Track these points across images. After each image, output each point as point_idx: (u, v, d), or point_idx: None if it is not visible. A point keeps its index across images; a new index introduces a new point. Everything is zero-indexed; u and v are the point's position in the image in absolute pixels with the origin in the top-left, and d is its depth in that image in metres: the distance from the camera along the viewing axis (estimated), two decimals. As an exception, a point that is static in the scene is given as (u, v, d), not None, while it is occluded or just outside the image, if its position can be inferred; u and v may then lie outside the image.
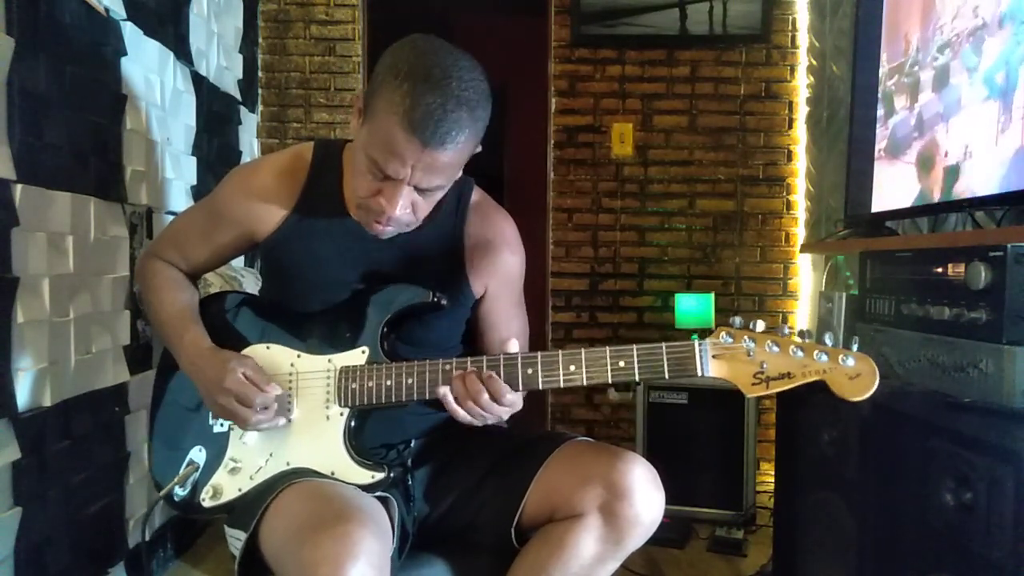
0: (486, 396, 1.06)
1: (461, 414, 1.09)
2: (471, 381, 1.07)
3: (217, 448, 1.20)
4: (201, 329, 1.21)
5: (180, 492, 1.20)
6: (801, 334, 1.01)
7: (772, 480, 1.87)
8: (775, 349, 1.01)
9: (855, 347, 1.00)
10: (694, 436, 2.50)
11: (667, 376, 1.04)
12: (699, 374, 1.03)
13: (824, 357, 0.99)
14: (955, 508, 1.12)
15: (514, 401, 1.09)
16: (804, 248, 2.90)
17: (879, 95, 1.91)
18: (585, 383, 1.06)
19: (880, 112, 1.90)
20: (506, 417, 1.10)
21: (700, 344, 1.03)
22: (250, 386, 1.12)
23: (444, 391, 1.08)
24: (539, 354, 1.08)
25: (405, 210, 1.09)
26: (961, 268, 1.25)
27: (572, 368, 1.06)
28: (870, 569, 1.38)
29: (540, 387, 1.08)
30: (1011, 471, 1.02)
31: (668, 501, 1.11)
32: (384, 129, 1.02)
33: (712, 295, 2.68)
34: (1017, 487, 1.01)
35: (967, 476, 1.10)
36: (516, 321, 1.32)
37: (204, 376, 1.15)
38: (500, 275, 1.26)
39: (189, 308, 1.25)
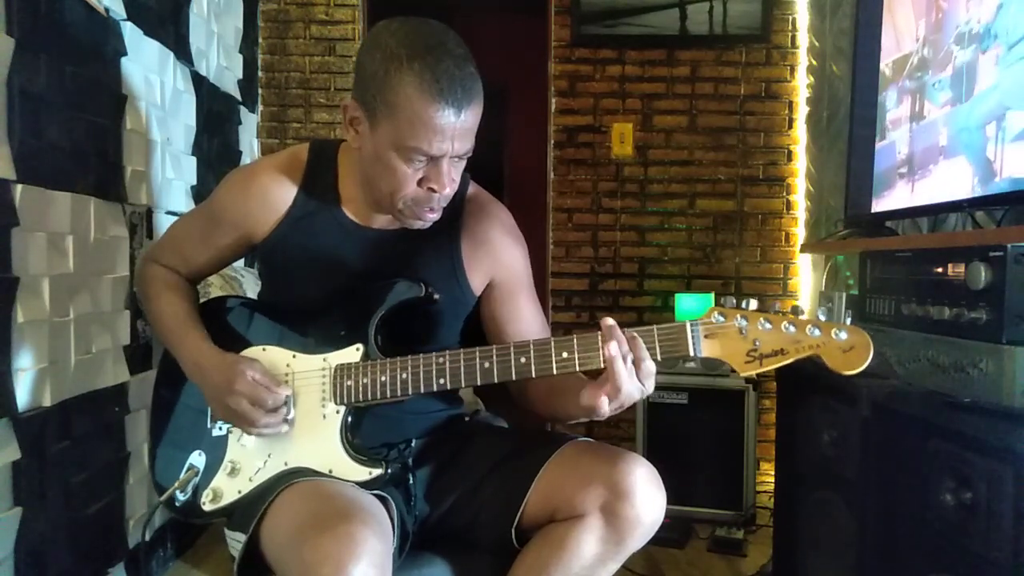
0: (630, 361, 1.00)
1: (627, 381, 0.99)
2: (634, 343, 1.00)
3: (216, 451, 1.20)
4: (202, 332, 1.21)
5: (181, 497, 1.20)
6: (794, 310, 1.00)
7: (772, 480, 1.87)
8: (767, 326, 1.00)
9: (848, 321, 0.99)
10: (694, 436, 2.50)
11: (659, 357, 1.02)
12: (691, 354, 1.02)
13: (817, 332, 0.98)
14: (955, 508, 1.12)
15: (650, 374, 1.01)
16: (804, 248, 2.90)
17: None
18: (578, 368, 1.05)
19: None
20: (639, 397, 1.02)
21: (692, 324, 1.02)
22: (261, 388, 1.12)
23: (611, 350, 0.99)
24: (531, 342, 1.08)
25: (451, 185, 1.10)
26: (961, 268, 1.25)
27: (564, 355, 1.06)
28: (870, 569, 1.37)
29: (534, 375, 1.07)
30: (1011, 471, 1.02)
31: (668, 501, 1.11)
32: (414, 114, 1.02)
33: (712, 295, 2.69)
34: (1017, 487, 1.01)
35: (967, 476, 1.10)
36: (535, 317, 1.29)
37: (210, 380, 1.15)
38: (502, 267, 1.26)
39: (189, 312, 1.25)
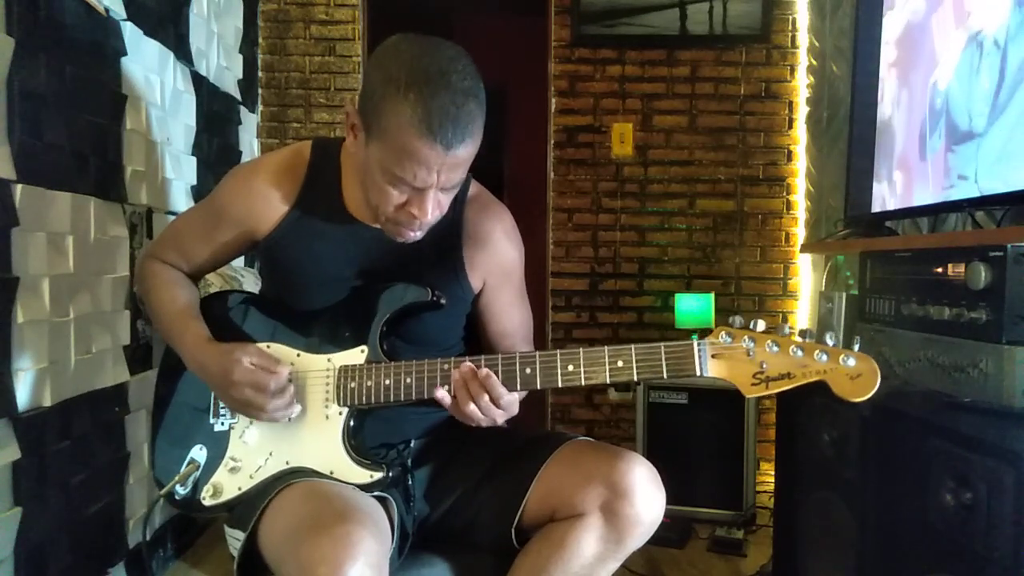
0: (486, 398, 1.06)
1: (460, 417, 1.09)
2: (471, 383, 1.07)
3: (218, 447, 1.20)
4: (202, 325, 1.21)
5: (181, 491, 1.20)
6: (802, 334, 1.00)
7: (772, 480, 1.87)
8: (775, 349, 1.00)
9: (856, 347, 0.99)
10: (694, 436, 2.50)
11: (665, 376, 1.03)
12: (698, 374, 1.02)
13: (824, 357, 0.98)
14: (955, 508, 1.12)
15: (511, 403, 1.08)
16: (804, 248, 2.90)
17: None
18: (583, 383, 1.06)
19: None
20: (501, 422, 1.10)
21: (699, 344, 1.02)
22: (260, 372, 1.11)
23: (441, 394, 1.08)
24: (537, 354, 1.08)
25: (436, 212, 1.09)
26: (961, 268, 1.25)
27: (570, 368, 1.06)
28: (870, 569, 1.37)
29: (538, 387, 1.08)
30: (1011, 471, 1.02)
31: (668, 501, 1.11)
32: (401, 144, 1.01)
33: (712, 295, 2.68)
34: (1017, 487, 1.01)
35: (967, 476, 1.10)
36: (517, 313, 1.32)
37: (210, 372, 1.15)
38: (498, 267, 1.26)
39: (190, 306, 1.25)
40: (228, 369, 1.11)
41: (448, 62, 1.02)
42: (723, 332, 1.02)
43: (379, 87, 1.02)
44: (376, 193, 1.09)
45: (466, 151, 1.04)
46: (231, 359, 1.12)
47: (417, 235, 1.14)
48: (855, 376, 0.97)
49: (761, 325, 1.02)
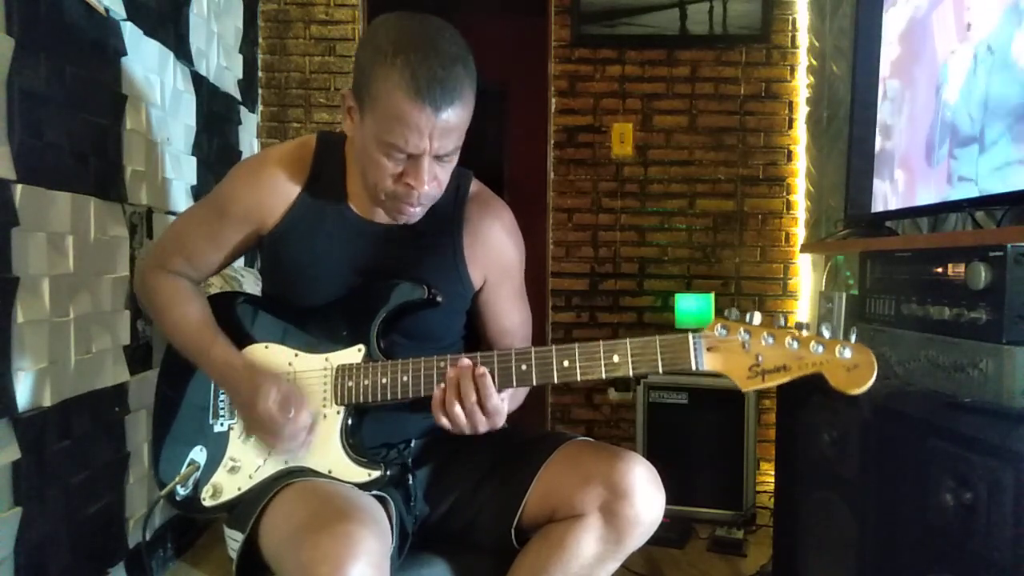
0: (473, 398, 1.06)
1: (442, 419, 1.08)
2: (464, 380, 1.07)
3: (217, 447, 1.20)
4: (227, 342, 1.20)
5: (182, 491, 1.20)
6: (798, 326, 0.99)
7: (772, 480, 1.87)
8: (771, 341, 0.99)
9: (853, 338, 0.98)
10: (694, 436, 2.50)
11: (661, 370, 1.02)
12: (693, 367, 1.01)
13: (821, 349, 0.97)
14: (955, 508, 1.12)
15: (497, 409, 1.08)
16: (804, 248, 2.90)
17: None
18: (579, 378, 1.06)
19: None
20: (482, 431, 1.09)
21: (694, 337, 1.01)
22: (278, 418, 1.11)
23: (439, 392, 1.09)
24: (532, 349, 1.08)
25: (432, 183, 1.09)
26: (961, 268, 1.25)
27: (566, 363, 1.06)
28: (870, 569, 1.37)
29: (535, 383, 1.07)
30: (1011, 471, 1.02)
31: (668, 501, 1.11)
32: (392, 110, 1.01)
33: (712, 295, 2.68)
34: (1017, 487, 1.01)
35: (967, 476, 1.10)
36: (517, 311, 1.32)
37: (238, 395, 1.17)
38: (498, 264, 1.27)
39: (208, 320, 1.23)
40: (253, 400, 1.12)
41: (434, 31, 1.04)
42: (719, 325, 1.01)
43: (368, 61, 1.04)
44: (372, 168, 1.09)
45: (456, 115, 1.04)
46: (259, 392, 1.12)
47: (417, 211, 1.13)
48: (852, 367, 0.96)
49: (757, 318, 1.00)
